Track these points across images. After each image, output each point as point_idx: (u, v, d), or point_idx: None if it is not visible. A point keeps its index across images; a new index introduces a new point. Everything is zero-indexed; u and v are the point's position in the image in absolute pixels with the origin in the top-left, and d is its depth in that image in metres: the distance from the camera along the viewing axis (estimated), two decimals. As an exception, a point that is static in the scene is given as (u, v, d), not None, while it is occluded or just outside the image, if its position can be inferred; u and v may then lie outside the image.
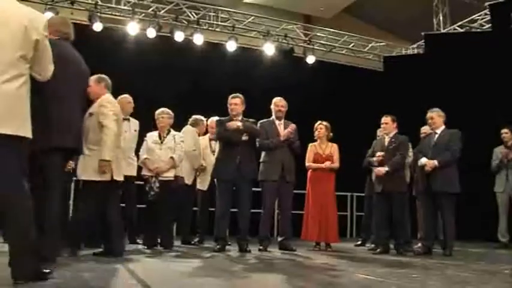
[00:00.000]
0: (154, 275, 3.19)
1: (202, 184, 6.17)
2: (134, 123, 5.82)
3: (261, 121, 5.62)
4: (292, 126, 5.59)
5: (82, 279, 2.65)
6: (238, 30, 9.55)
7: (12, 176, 2.45)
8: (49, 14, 7.91)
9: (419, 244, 5.49)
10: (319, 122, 6.06)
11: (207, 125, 6.29)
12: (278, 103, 5.72)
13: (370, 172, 6.19)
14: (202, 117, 6.25)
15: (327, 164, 5.82)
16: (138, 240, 5.57)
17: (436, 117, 5.46)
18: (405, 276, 3.38)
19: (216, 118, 5.68)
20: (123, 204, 5.60)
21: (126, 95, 5.82)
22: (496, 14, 8.76)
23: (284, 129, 5.60)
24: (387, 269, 3.87)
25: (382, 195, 5.51)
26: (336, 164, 5.93)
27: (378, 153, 5.61)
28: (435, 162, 5.23)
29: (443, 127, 5.45)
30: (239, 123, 5.17)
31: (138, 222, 5.73)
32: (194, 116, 6.22)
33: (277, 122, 5.66)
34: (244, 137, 5.20)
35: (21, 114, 2.49)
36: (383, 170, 5.48)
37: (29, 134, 2.52)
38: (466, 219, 6.21)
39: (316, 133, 6.01)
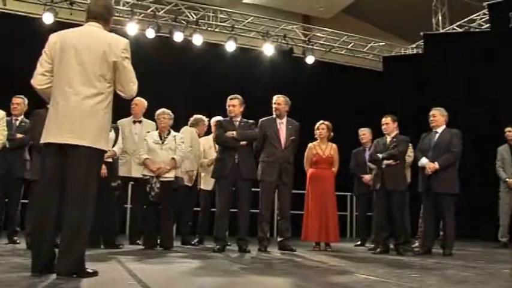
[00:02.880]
0: (154, 276, 3.19)
1: (206, 184, 6.13)
2: (148, 125, 5.81)
3: (262, 119, 5.60)
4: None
5: (81, 279, 2.65)
6: (237, 30, 9.55)
7: (89, 182, 2.76)
8: (48, 15, 7.94)
9: (419, 243, 5.49)
10: (321, 121, 6.01)
11: (209, 124, 6.26)
12: (275, 101, 5.66)
13: (369, 171, 6.19)
14: (203, 117, 6.20)
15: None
16: (137, 241, 5.56)
17: (438, 115, 5.43)
18: (405, 276, 3.38)
19: (218, 118, 5.67)
20: (128, 205, 5.60)
21: (137, 97, 5.80)
22: (495, 13, 8.76)
23: (286, 128, 5.58)
24: (387, 268, 3.87)
25: (381, 193, 5.46)
26: (336, 167, 5.94)
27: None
28: (436, 165, 5.20)
29: (444, 126, 5.43)
30: (234, 133, 5.14)
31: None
32: (195, 116, 6.19)
33: (278, 120, 5.62)
34: (242, 142, 5.19)
35: (96, 128, 2.81)
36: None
37: (102, 146, 2.86)
38: (465, 219, 6.21)
39: (317, 133, 5.96)
